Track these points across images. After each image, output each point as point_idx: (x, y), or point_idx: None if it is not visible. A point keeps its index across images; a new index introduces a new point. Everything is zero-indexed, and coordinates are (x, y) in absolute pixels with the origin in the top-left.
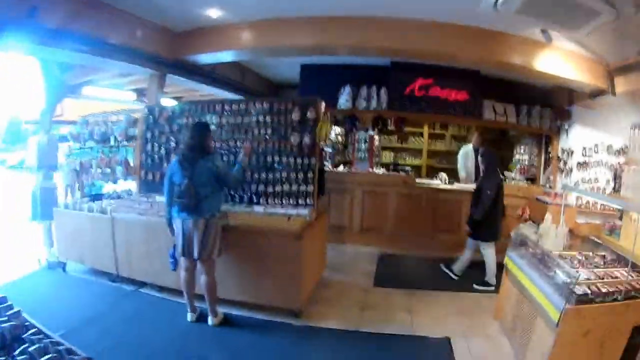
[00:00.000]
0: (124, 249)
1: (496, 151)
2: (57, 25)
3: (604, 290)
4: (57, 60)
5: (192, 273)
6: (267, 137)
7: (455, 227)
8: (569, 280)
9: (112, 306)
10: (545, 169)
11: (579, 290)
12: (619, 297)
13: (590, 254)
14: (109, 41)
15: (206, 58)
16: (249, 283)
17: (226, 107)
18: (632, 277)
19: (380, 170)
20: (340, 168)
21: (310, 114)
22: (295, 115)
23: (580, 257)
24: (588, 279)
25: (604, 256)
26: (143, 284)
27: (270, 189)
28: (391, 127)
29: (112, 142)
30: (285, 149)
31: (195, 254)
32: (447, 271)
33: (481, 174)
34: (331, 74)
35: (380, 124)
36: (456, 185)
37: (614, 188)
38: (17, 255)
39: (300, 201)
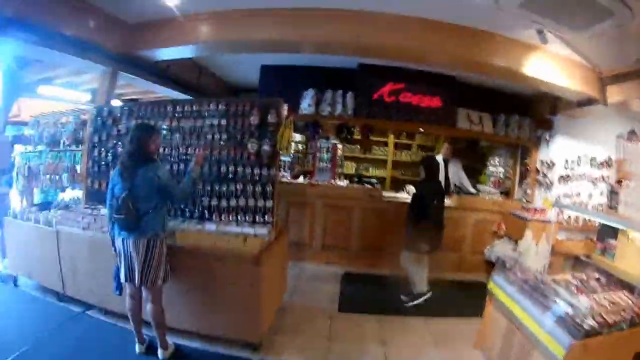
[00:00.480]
0: (70, 266)
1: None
2: (13, 14)
3: (609, 320)
4: (7, 51)
5: (138, 300)
6: (222, 143)
7: (459, 245)
8: (573, 313)
9: (56, 331)
10: (521, 182)
11: (587, 324)
12: (625, 326)
13: (584, 276)
14: (61, 31)
15: (161, 53)
16: (201, 311)
17: (178, 108)
18: (632, 302)
19: (344, 182)
20: (300, 179)
21: (271, 118)
22: (254, 119)
23: (575, 282)
24: (591, 308)
25: (598, 279)
26: (91, 306)
27: (224, 204)
28: (357, 136)
29: (60, 146)
30: (242, 158)
31: (136, 280)
32: (413, 302)
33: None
34: (293, 76)
35: (345, 132)
36: None
37: (609, 205)
38: None
39: (258, 218)
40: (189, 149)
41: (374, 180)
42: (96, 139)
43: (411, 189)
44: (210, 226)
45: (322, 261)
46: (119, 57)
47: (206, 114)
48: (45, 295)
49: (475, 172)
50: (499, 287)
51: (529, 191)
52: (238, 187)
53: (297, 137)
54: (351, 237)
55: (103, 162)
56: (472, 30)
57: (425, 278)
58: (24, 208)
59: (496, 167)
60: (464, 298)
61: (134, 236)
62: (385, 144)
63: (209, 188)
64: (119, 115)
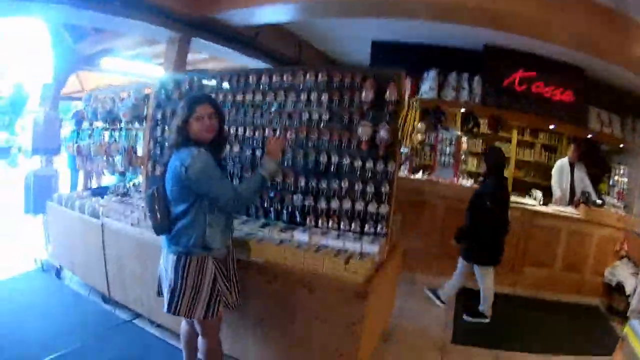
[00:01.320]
0: (116, 266)
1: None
2: None
3: None
4: (61, 19)
5: (191, 324)
6: (322, 125)
7: (548, 260)
8: None
9: (99, 338)
10: None
11: None
12: None
13: None
14: None
15: (242, 16)
16: (275, 350)
17: (263, 79)
18: None
19: (468, 182)
20: (419, 175)
21: (389, 95)
22: (367, 95)
23: None
24: None
25: None
26: (138, 314)
27: (322, 205)
28: (483, 128)
29: (117, 124)
30: (350, 146)
31: (165, 306)
32: (431, 296)
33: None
34: (410, 55)
35: (471, 122)
36: (552, 208)
37: None
38: (14, 251)
39: (367, 228)
40: (277, 131)
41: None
42: (159, 115)
43: (538, 194)
44: (300, 236)
45: (436, 273)
46: (191, 20)
47: (301, 86)
48: (90, 293)
49: (593, 179)
50: (636, 334)
51: None
52: (342, 184)
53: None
54: None
55: (166, 143)
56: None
57: (490, 298)
58: (72, 193)
59: (621, 176)
60: (583, 327)
61: (166, 246)
62: (508, 140)
63: (302, 183)
64: (187, 87)
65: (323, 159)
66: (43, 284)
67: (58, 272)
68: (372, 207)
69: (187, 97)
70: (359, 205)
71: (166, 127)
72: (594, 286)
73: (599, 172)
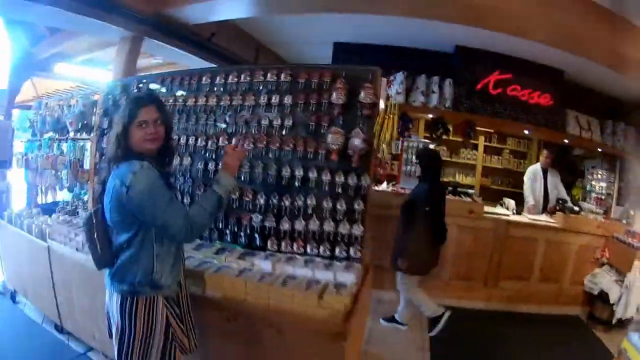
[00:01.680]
0: (65, 295)
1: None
2: None
3: None
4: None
5: None
6: (285, 133)
7: (525, 272)
8: None
9: None
10: (619, 199)
11: None
12: None
13: None
14: None
15: (199, 12)
16: None
17: (218, 80)
18: None
19: None
20: (383, 186)
21: (364, 96)
22: (338, 97)
23: None
24: None
25: None
26: (93, 347)
27: (285, 227)
28: (452, 135)
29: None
30: (317, 157)
31: (115, 354)
32: (388, 325)
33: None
34: (376, 56)
35: (439, 128)
36: (527, 217)
37: None
38: None
39: (337, 251)
40: (233, 140)
41: (470, 191)
42: (106, 123)
43: (511, 203)
44: (262, 263)
45: None
46: (144, 18)
47: (260, 87)
48: (43, 321)
49: (566, 185)
50: (637, 349)
51: (632, 212)
52: (308, 202)
53: None
54: (443, 262)
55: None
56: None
57: (426, 298)
58: (22, 210)
59: (598, 182)
60: (566, 338)
61: (109, 284)
62: (474, 146)
63: (262, 201)
64: (135, 91)
65: (286, 172)
66: None
67: (13, 296)
68: (343, 228)
69: (127, 98)
70: (328, 226)
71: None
72: (573, 296)
73: (570, 177)
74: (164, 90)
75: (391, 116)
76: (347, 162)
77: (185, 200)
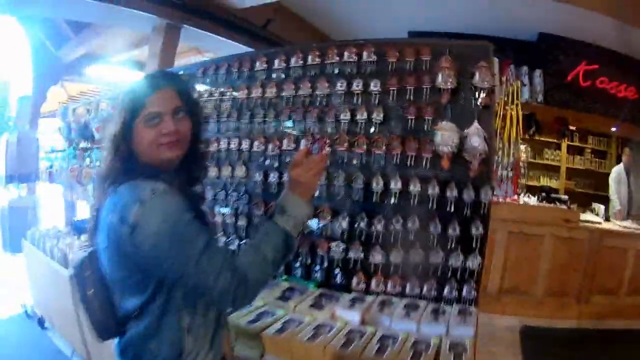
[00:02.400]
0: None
1: None
2: None
3: None
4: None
5: None
6: (374, 131)
7: (615, 286)
8: None
9: None
10: None
11: None
12: None
13: None
14: None
15: None
16: None
17: (276, 64)
18: None
19: (532, 199)
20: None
21: (480, 79)
22: (446, 79)
23: None
24: None
25: None
26: None
27: (377, 258)
28: (545, 135)
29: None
30: (419, 163)
31: None
32: None
33: None
34: None
35: (532, 125)
36: (619, 225)
37: None
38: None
39: (447, 290)
40: (305, 141)
41: (564, 197)
42: None
43: (600, 209)
44: (347, 313)
45: (496, 310)
46: (181, 4)
47: (335, 70)
48: (73, 354)
49: None
50: None
51: None
52: (409, 225)
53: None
54: (536, 277)
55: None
56: None
57: None
58: (48, 229)
59: None
60: None
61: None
62: (557, 146)
63: (344, 224)
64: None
65: (377, 184)
66: (25, 333)
67: (41, 321)
68: (454, 259)
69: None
70: (435, 257)
71: None
72: None
73: None
74: (207, 82)
75: (514, 108)
76: (460, 170)
77: (239, 223)
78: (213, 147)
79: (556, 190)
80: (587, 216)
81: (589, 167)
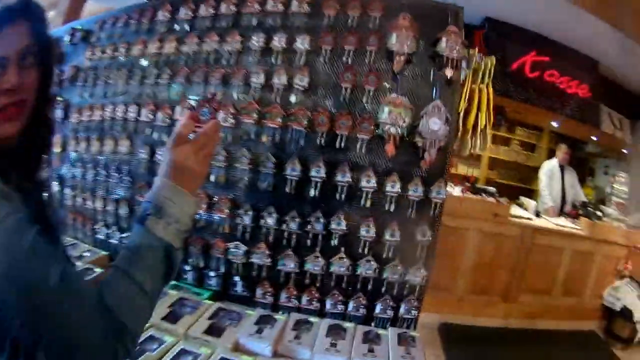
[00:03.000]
0: None
1: None
2: None
3: None
4: None
5: None
6: (295, 100)
7: (546, 285)
8: None
9: None
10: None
11: None
12: None
13: None
14: None
15: None
16: None
17: (181, 14)
18: None
19: (457, 190)
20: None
21: (448, 46)
22: (402, 41)
23: None
24: None
25: None
26: None
27: (288, 265)
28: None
29: None
30: (352, 146)
31: None
32: None
33: None
34: None
35: None
36: (552, 223)
37: None
38: None
39: (379, 309)
40: (192, 105)
41: (492, 189)
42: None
43: (530, 204)
44: (254, 343)
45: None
46: None
47: (253, 22)
48: None
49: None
50: None
51: None
52: (334, 225)
53: None
54: (457, 273)
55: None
56: None
57: None
58: None
59: (619, 185)
60: (583, 356)
61: None
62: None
63: (247, 219)
64: (62, 48)
65: (293, 170)
66: None
67: None
68: (392, 272)
69: None
70: (366, 267)
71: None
72: (591, 309)
73: (580, 175)
74: (104, 38)
75: (484, 87)
76: (408, 159)
77: (120, 211)
78: (96, 116)
79: (483, 184)
80: (516, 211)
81: (516, 159)
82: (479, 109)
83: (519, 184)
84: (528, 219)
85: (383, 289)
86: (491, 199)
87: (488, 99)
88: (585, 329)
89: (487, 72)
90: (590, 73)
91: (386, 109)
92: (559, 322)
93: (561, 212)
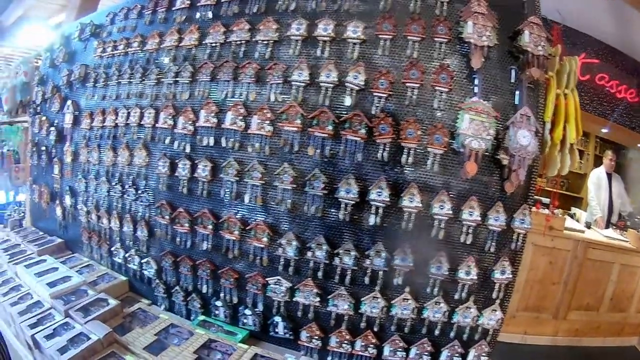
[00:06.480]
0: None
1: None
2: None
3: None
4: None
5: None
6: (351, 102)
7: (594, 301)
8: None
9: None
10: None
11: None
12: None
13: None
14: None
15: None
16: None
17: (202, 0)
18: None
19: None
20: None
21: (533, 40)
22: (480, 31)
23: None
24: None
25: None
26: None
27: (341, 307)
28: None
29: None
30: (423, 162)
31: None
32: None
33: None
34: None
35: None
36: (604, 236)
37: None
38: None
39: (446, 356)
40: (220, 115)
41: (546, 200)
42: (39, 96)
43: (582, 215)
44: None
45: None
46: None
47: (291, 5)
48: None
49: None
50: None
51: None
52: (397, 261)
53: None
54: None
55: (48, 146)
56: None
57: None
58: None
59: None
60: None
61: None
62: None
63: (290, 249)
64: (77, 40)
65: (347, 192)
66: None
67: None
68: (464, 314)
69: None
70: (434, 310)
71: (45, 117)
72: (636, 325)
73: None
74: (115, 32)
75: (569, 94)
76: (489, 180)
77: (138, 234)
78: (109, 121)
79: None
80: (568, 222)
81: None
82: (566, 119)
83: (567, 191)
84: (580, 231)
85: (452, 334)
86: (546, 211)
87: (576, 108)
88: (627, 344)
89: (572, 74)
90: (638, 77)
91: (466, 117)
92: (604, 338)
93: (609, 223)
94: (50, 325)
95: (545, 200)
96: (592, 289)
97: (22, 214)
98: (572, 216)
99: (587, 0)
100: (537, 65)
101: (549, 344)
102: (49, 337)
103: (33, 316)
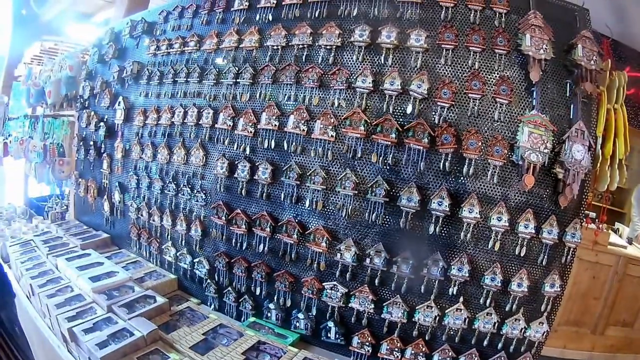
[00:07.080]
0: None
1: None
2: None
3: None
4: None
5: None
6: (412, 111)
7: (631, 317)
8: None
9: None
10: None
11: None
12: None
13: None
14: None
15: None
16: None
17: (262, 1)
18: None
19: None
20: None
21: (586, 54)
22: (538, 44)
23: None
24: None
25: None
26: None
27: (395, 314)
28: None
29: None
30: (484, 172)
31: None
32: None
33: None
34: None
35: None
36: None
37: None
38: None
39: None
40: (282, 118)
41: (593, 214)
42: (87, 91)
43: (625, 230)
44: None
45: None
46: None
47: (354, 10)
48: None
49: None
50: None
51: None
52: (455, 271)
53: None
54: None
55: (97, 141)
56: None
57: None
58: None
59: None
60: None
61: None
62: None
63: (348, 255)
64: (128, 37)
65: (409, 200)
66: None
67: None
68: (513, 325)
69: None
70: (485, 321)
71: (93, 112)
72: None
73: None
74: (168, 30)
75: (618, 109)
76: (544, 194)
77: (192, 233)
78: (164, 120)
79: None
80: (612, 238)
81: None
82: (615, 134)
83: (612, 206)
84: (622, 246)
85: (499, 345)
86: (592, 226)
87: (625, 123)
88: None
89: (622, 89)
90: None
91: (526, 130)
92: (636, 355)
93: None
94: (90, 320)
95: (592, 214)
96: (629, 304)
97: (65, 207)
98: (615, 231)
99: (630, 12)
100: (590, 79)
101: (585, 359)
102: (87, 330)
103: (72, 309)
